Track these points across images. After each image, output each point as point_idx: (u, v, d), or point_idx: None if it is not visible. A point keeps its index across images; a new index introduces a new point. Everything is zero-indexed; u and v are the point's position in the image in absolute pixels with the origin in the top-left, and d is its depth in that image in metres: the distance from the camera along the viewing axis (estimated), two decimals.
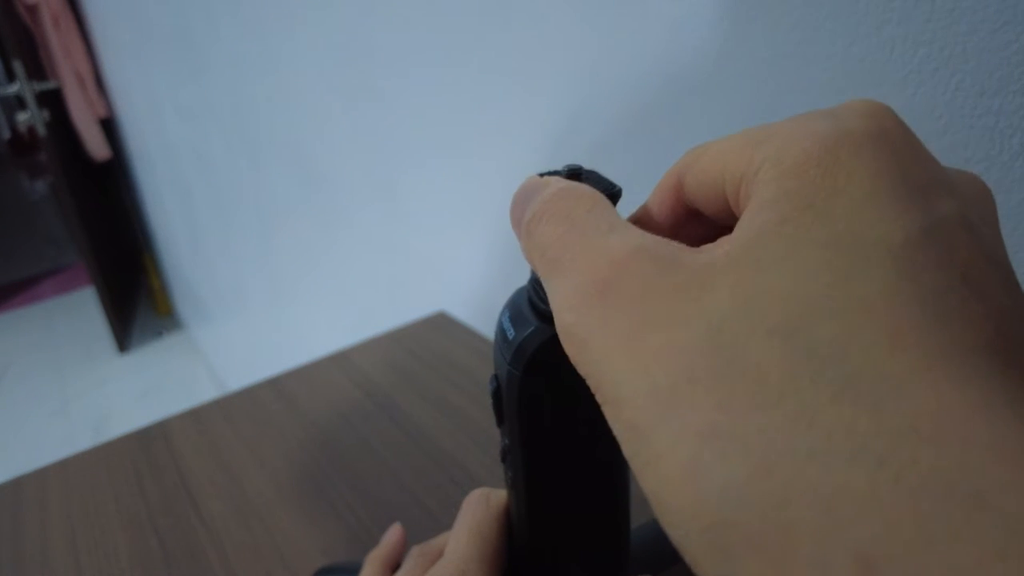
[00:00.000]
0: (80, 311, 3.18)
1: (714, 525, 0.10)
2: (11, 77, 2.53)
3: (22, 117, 2.44)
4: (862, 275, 0.11)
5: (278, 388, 0.56)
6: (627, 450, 0.12)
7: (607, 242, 0.14)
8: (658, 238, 0.13)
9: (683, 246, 0.13)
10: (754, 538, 0.10)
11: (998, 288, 0.11)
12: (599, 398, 0.13)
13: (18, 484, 0.47)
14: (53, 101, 2.50)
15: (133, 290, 3.26)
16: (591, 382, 0.13)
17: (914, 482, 0.09)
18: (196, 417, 0.53)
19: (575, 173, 0.18)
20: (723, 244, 0.13)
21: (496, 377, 0.22)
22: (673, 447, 0.11)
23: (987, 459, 0.09)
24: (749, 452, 0.10)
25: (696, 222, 0.17)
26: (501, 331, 0.21)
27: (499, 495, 0.26)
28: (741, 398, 0.11)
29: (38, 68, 2.54)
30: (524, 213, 0.16)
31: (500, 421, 0.22)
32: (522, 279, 0.21)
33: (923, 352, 0.10)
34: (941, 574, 0.08)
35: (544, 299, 0.20)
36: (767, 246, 0.12)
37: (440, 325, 0.65)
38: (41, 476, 0.47)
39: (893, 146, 0.12)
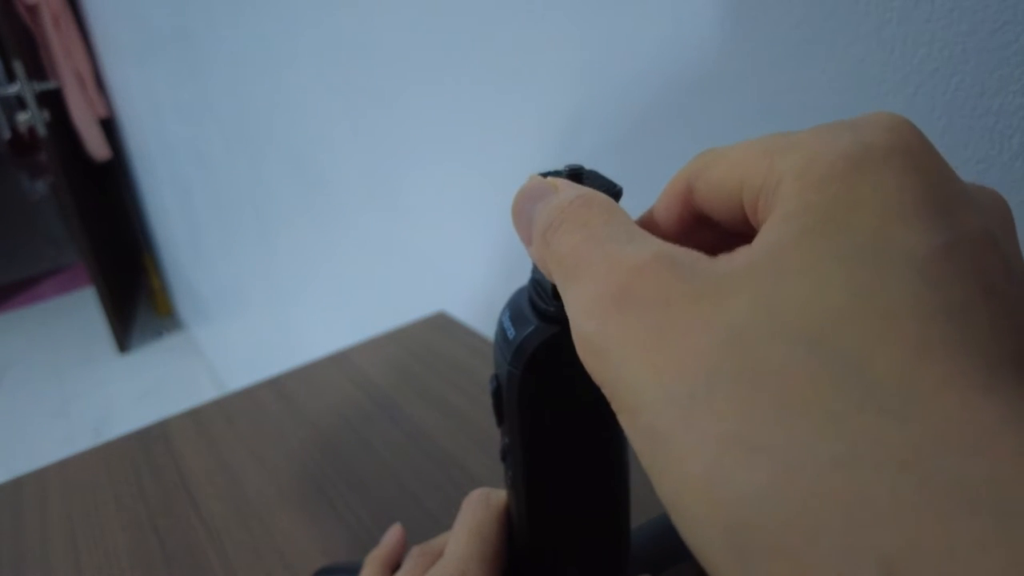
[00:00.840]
0: (80, 311, 3.18)
1: (735, 529, 0.10)
2: (11, 77, 2.53)
3: (22, 117, 2.45)
4: (886, 287, 0.11)
5: (278, 388, 0.56)
6: (644, 457, 0.12)
7: (625, 250, 0.13)
8: (676, 247, 0.13)
9: (701, 255, 0.13)
10: (776, 543, 0.10)
11: (1022, 304, 0.11)
12: (615, 405, 0.13)
13: (18, 484, 0.47)
14: (53, 101, 2.50)
15: (133, 290, 3.26)
16: (607, 389, 0.13)
17: (940, 490, 0.09)
18: (196, 417, 0.53)
19: (576, 173, 0.18)
20: (742, 253, 0.12)
21: (496, 377, 0.22)
22: (693, 453, 0.11)
23: (1015, 469, 0.09)
24: (772, 459, 0.10)
25: (704, 228, 0.17)
26: (501, 330, 0.21)
27: (499, 495, 0.26)
28: (763, 405, 0.11)
29: (38, 68, 2.54)
30: (531, 215, 0.16)
31: (500, 421, 0.22)
32: (522, 279, 0.21)
33: (950, 363, 0.10)
34: None
35: (544, 299, 0.20)
36: (788, 257, 0.12)
37: (440, 325, 0.65)
38: (41, 476, 0.47)
39: (915, 161, 0.12)
